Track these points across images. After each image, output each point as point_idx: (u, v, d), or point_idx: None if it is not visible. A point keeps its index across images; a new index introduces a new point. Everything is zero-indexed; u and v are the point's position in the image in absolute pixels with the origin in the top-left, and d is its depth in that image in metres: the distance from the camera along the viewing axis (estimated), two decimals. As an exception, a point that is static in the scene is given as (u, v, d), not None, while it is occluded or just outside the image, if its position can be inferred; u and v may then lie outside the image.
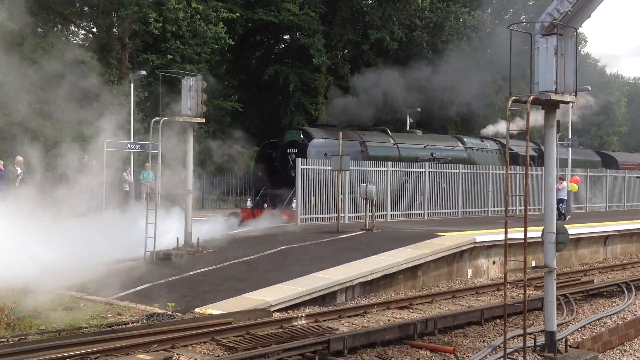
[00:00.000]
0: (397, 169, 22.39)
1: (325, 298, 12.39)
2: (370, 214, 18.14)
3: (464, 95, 31.12)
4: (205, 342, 9.18)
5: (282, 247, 15.59)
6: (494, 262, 16.94)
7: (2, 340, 8.82)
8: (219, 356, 8.64)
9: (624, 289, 14.68)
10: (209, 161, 26.52)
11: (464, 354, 9.58)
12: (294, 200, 20.07)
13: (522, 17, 41.67)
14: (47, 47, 23.22)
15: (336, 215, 18.60)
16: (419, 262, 14.68)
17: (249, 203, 21.61)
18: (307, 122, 33.62)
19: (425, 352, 9.60)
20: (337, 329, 10.22)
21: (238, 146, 25.98)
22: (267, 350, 8.59)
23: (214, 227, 19.37)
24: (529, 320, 11.19)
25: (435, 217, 23.50)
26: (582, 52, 53.85)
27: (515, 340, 10.14)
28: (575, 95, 9.26)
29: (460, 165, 24.76)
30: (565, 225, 9.98)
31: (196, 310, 10.85)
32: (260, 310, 10.83)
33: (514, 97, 8.87)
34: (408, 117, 33.52)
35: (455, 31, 38.56)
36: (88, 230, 15.82)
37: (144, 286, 12.65)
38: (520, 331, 9.25)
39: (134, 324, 10.12)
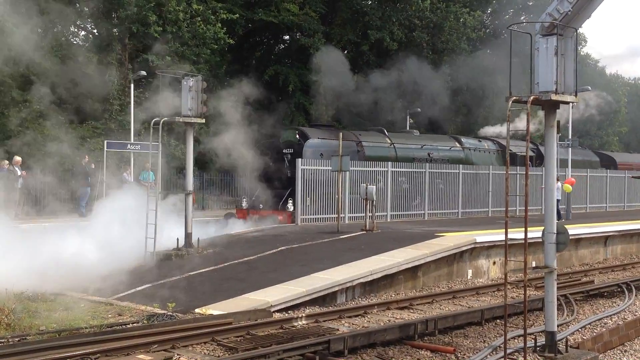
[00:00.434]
0: (397, 169, 22.40)
1: (325, 298, 12.39)
2: (371, 214, 18.14)
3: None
4: (205, 343, 9.18)
5: (283, 248, 15.58)
6: (494, 263, 16.94)
7: (2, 340, 8.81)
8: (219, 356, 8.64)
9: (625, 289, 14.68)
10: (210, 163, 26.45)
11: (465, 355, 9.57)
12: (290, 201, 20.04)
13: (522, 17, 41.65)
14: (48, 47, 23.18)
15: (336, 215, 18.61)
16: (419, 262, 14.67)
17: (244, 203, 21.58)
18: (307, 122, 33.59)
19: (425, 352, 9.59)
20: (338, 330, 10.22)
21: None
22: (267, 351, 8.59)
23: (213, 227, 19.38)
24: (530, 320, 11.18)
25: (436, 217, 23.51)
26: (581, 53, 53.82)
27: (516, 340, 10.13)
28: (576, 96, 9.26)
29: (460, 165, 24.74)
30: (565, 226, 9.98)
31: (196, 310, 10.84)
32: (260, 310, 10.83)
33: (514, 97, 8.88)
34: (408, 117, 33.51)
35: (455, 31, 38.55)
36: (88, 231, 15.85)
37: (144, 286, 12.66)
38: (521, 331, 9.23)
39: (134, 324, 10.10)
